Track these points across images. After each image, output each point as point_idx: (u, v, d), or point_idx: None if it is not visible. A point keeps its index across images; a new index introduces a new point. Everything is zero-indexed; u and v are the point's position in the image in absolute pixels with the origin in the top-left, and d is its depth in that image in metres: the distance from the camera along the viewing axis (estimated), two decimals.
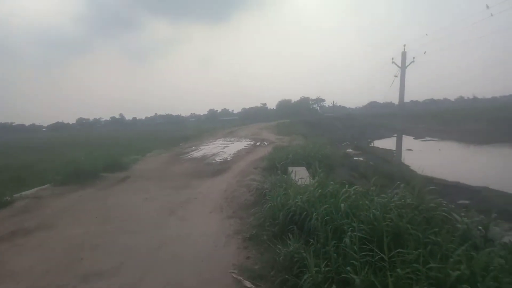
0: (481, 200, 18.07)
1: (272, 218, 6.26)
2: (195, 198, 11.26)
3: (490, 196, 18.73)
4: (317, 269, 3.96)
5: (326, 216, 5.17)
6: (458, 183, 21.61)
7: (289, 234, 5.21)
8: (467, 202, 17.77)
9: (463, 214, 4.90)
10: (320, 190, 6.10)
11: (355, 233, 4.09)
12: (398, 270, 3.14)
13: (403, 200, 4.95)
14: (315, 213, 5.29)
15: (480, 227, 4.16)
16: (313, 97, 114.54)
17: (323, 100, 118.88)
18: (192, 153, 25.53)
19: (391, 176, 20.93)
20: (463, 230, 3.96)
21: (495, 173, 24.56)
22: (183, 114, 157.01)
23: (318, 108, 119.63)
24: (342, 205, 5.11)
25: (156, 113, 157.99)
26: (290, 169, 10.55)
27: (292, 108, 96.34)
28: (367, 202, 5.05)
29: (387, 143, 47.65)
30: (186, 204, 10.57)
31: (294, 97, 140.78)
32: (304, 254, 4.45)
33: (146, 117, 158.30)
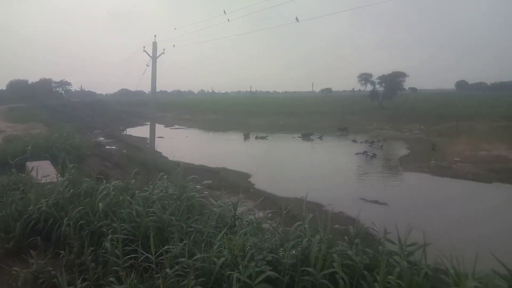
0: (220, 178, 21.29)
1: (3, 232, 4.72)
2: None
3: (226, 175, 22.35)
4: (71, 287, 3.26)
5: (81, 219, 4.40)
6: (202, 166, 24.53)
7: (30, 250, 4.05)
8: (209, 182, 20.50)
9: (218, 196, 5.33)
10: (71, 190, 5.13)
11: (116, 235, 3.64)
12: (168, 269, 3.01)
13: (165, 191, 4.90)
14: (66, 218, 4.37)
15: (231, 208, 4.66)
16: (57, 79, 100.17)
17: (69, 84, 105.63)
18: None
19: (146, 164, 21.25)
20: (219, 214, 4.33)
21: (229, 155, 29.46)
22: None
23: (63, 92, 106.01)
24: (100, 204, 4.47)
25: None
26: (29, 165, 8.46)
27: (29, 90, 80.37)
28: (128, 198, 4.66)
29: (140, 131, 47.90)
30: None
31: (32, 77, 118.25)
32: (52, 271, 3.59)
33: None
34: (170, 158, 20.33)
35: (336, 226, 3.77)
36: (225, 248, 3.21)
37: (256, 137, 40.23)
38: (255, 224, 4.10)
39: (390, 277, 2.60)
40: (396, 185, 20.15)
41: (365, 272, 2.81)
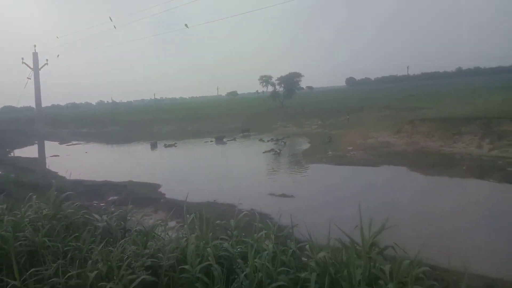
0: (127, 193, 20.18)
1: None
2: None
3: (134, 188, 21.27)
4: None
5: None
6: (106, 181, 22.94)
7: None
8: (115, 197, 19.30)
9: (107, 211, 5.05)
10: None
11: None
12: None
13: (39, 213, 4.48)
14: None
15: (120, 221, 4.48)
16: None
17: None
18: None
19: (37, 187, 19.04)
20: (104, 228, 4.13)
21: (135, 167, 28.13)
22: None
23: None
24: None
25: None
26: None
27: None
28: None
29: (30, 151, 42.85)
30: None
31: None
32: None
33: None
34: (68, 177, 18.67)
35: (218, 221, 3.88)
36: (100, 262, 3.08)
37: (165, 145, 39.06)
38: (142, 233, 4.00)
39: (256, 260, 2.81)
40: (300, 177, 21.49)
41: (239, 260, 2.98)
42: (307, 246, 3.09)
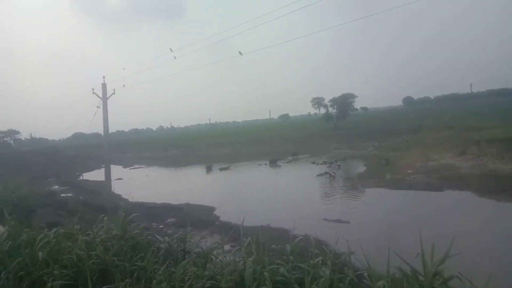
0: (184, 215, 20.90)
1: None
2: None
3: (190, 210, 22.00)
4: None
5: (21, 271, 4.25)
6: (165, 204, 24.03)
7: None
8: (173, 219, 20.08)
9: (168, 233, 5.35)
10: (10, 242, 4.95)
11: (56, 282, 3.57)
12: None
13: (109, 233, 4.86)
14: (4, 272, 4.22)
15: (180, 243, 4.71)
16: (4, 128, 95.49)
17: (17, 132, 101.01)
18: None
19: (103, 208, 20.49)
20: (166, 249, 4.36)
21: (192, 190, 29.14)
22: None
23: (12, 141, 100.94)
24: (40, 253, 4.36)
25: None
26: None
27: None
28: (69, 243, 4.57)
29: (97, 175, 46.33)
30: None
31: None
32: None
33: None
34: (130, 199, 19.87)
35: (273, 246, 3.92)
36: (164, 281, 3.26)
37: (219, 169, 40.12)
38: (201, 255, 4.16)
39: (313, 286, 2.79)
40: (356, 202, 20.76)
41: (295, 286, 2.98)
42: (365, 274, 3.00)
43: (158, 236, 4.86)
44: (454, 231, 13.18)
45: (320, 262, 3.30)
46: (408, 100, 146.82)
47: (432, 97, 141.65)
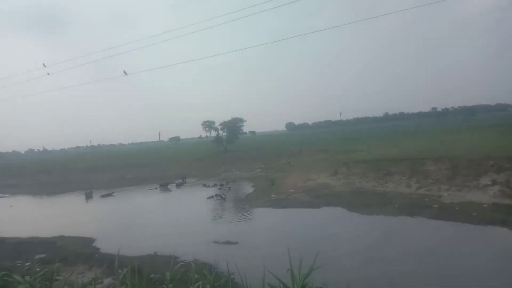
0: (58, 249, 18.43)
1: None
2: None
3: (65, 244, 19.51)
4: None
5: None
6: (33, 238, 20.82)
7: None
8: (43, 255, 17.46)
9: (28, 272, 4.65)
10: None
11: None
12: None
13: None
14: None
15: (46, 281, 4.15)
16: None
17: None
18: None
19: None
20: None
21: (67, 220, 25.98)
22: None
23: None
24: None
25: None
26: None
27: None
28: None
29: None
30: None
31: None
32: None
33: None
34: None
35: (152, 275, 3.82)
36: None
37: (101, 196, 36.82)
38: None
39: None
40: (245, 222, 21.42)
41: None
42: None
43: (16, 276, 4.20)
44: (324, 243, 14.78)
45: (200, 287, 3.34)
46: (290, 126, 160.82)
47: (310, 123, 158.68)
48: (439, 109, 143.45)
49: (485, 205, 18.61)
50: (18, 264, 15.49)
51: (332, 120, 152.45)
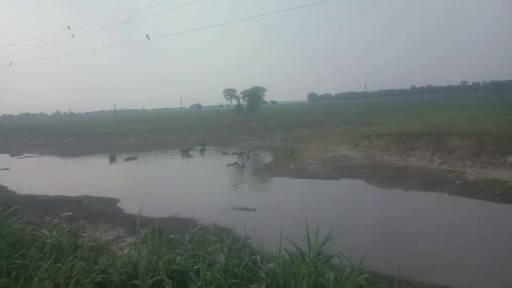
0: (83, 208, 19.26)
1: None
2: None
3: (90, 203, 20.38)
4: None
5: None
6: (60, 196, 21.80)
7: None
8: (70, 213, 18.33)
9: (55, 227, 4.86)
10: None
11: None
12: None
13: None
14: None
15: (71, 237, 4.33)
16: None
17: None
18: None
19: None
20: (53, 244, 3.97)
21: (93, 181, 27.04)
22: None
23: None
24: None
25: None
26: None
27: None
28: None
29: None
30: None
31: None
32: None
33: None
34: (18, 191, 17.59)
35: (172, 236, 3.90)
36: (46, 279, 2.98)
37: (125, 159, 37.89)
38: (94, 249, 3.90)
39: (208, 273, 2.86)
40: (263, 190, 21.65)
41: (191, 274, 3.02)
42: (258, 258, 3.19)
43: (44, 231, 4.39)
44: (347, 215, 14.79)
45: (218, 249, 3.39)
46: (312, 96, 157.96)
47: (333, 94, 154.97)
48: (469, 83, 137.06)
49: (510, 183, 18.03)
50: (47, 220, 16.35)
51: (356, 92, 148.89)
